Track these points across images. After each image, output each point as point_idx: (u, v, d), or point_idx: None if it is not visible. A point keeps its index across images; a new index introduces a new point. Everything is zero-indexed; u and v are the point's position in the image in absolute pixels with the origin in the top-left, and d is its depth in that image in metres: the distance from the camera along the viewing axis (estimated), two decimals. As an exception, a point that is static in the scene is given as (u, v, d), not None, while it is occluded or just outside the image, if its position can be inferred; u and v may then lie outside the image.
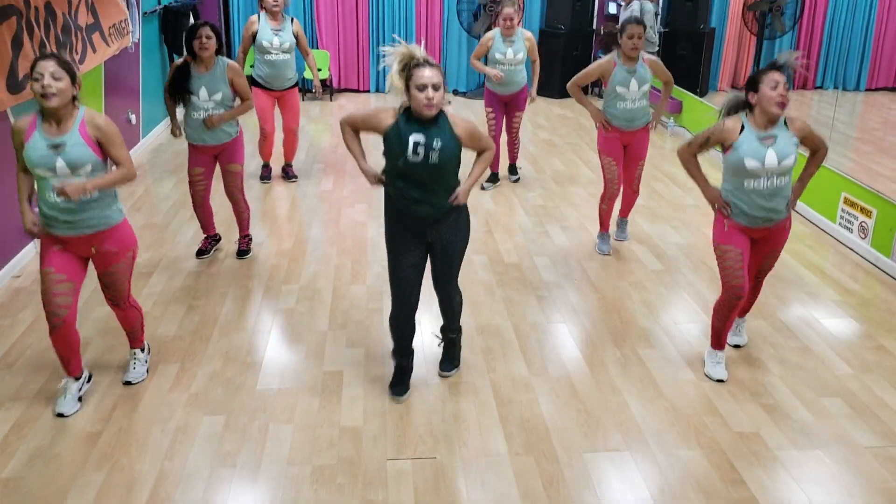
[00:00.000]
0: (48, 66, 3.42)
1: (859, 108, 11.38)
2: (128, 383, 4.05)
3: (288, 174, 7.47)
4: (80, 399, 3.87)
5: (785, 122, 3.87)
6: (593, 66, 5.53)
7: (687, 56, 11.14)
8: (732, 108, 3.98)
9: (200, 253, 5.61)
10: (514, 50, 6.74)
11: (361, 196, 6.95)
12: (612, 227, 6.00)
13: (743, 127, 3.87)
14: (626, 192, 5.86)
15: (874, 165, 8.00)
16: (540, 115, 10.44)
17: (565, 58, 11.33)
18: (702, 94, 10.65)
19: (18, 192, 3.72)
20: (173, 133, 5.57)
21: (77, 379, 3.89)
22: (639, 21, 5.29)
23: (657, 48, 10.89)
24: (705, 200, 4.14)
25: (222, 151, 5.39)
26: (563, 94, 11.45)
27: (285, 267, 5.50)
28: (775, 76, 3.76)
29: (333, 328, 4.67)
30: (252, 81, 6.77)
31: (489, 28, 11.10)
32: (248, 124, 9.22)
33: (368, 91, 11.62)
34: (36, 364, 4.22)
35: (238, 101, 5.37)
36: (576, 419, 3.81)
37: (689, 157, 4.11)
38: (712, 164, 5.88)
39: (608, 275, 5.45)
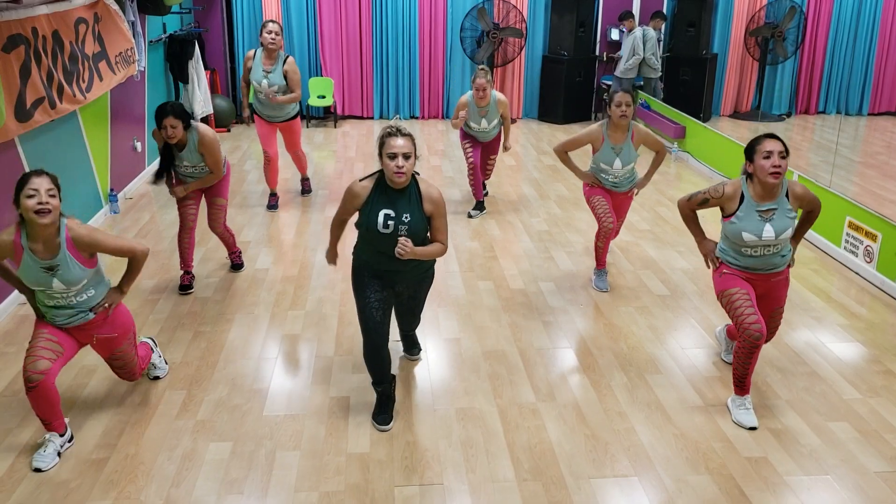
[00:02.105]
0: (43, 184, 3.43)
1: (862, 133, 11.42)
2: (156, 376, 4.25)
3: (303, 188, 7.79)
4: (59, 455, 3.66)
5: (787, 193, 3.87)
6: (582, 134, 5.51)
7: (689, 81, 11.22)
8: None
9: (185, 288, 5.56)
10: (487, 119, 6.96)
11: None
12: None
13: (742, 197, 3.87)
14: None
15: (878, 190, 8.01)
16: (543, 141, 10.49)
17: (568, 83, 11.42)
18: (704, 120, 10.71)
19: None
20: (174, 193, 5.53)
21: (61, 435, 3.70)
22: (627, 91, 5.32)
23: (660, 73, 10.98)
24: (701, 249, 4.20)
25: (209, 188, 5.56)
26: (567, 120, 11.57)
27: (291, 293, 5.50)
28: (768, 145, 3.74)
29: (339, 354, 4.66)
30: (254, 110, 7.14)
31: (492, 56, 11.22)
32: (253, 152, 9.28)
33: (372, 118, 11.69)
34: (42, 391, 4.21)
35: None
36: (583, 445, 3.80)
37: (688, 211, 4.16)
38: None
39: (614, 300, 5.45)
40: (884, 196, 7.67)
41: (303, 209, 7.38)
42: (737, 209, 3.88)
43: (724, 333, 4.66)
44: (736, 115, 12.06)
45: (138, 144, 8.11)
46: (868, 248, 5.87)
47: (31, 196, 3.41)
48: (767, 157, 3.73)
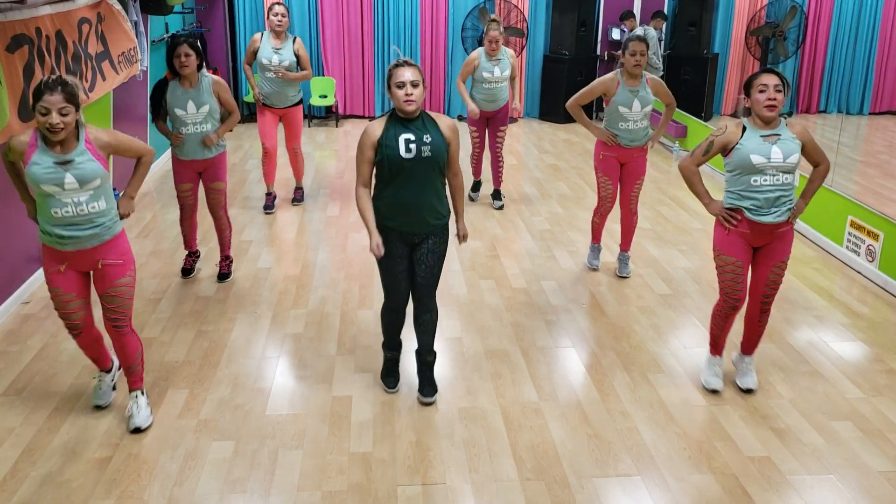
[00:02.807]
0: (55, 102, 3.37)
1: (864, 132, 11.42)
2: (137, 430, 3.83)
3: (294, 196, 7.53)
4: (113, 388, 4.11)
5: (786, 126, 3.91)
6: (596, 82, 5.51)
7: (691, 81, 11.21)
8: (744, 114, 4.01)
9: (186, 272, 5.73)
10: (500, 68, 6.99)
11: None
12: (610, 256, 6.00)
13: (745, 129, 3.90)
14: (625, 215, 5.74)
15: (880, 189, 8.01)
16: (545, 140, 10.49)
17: (569, 83, 11.40)
18: (706, 119, 10.70)
19: (27, 207, 3.83)
20: (176, 143, 5.44)
21: (108, 371, 4.06)
22: (641, 38, 5.28)
23: (661, 73, 10.97)
24: (710, 215, 4.16)
25: (206, 168, 5.48)
26: (569, 119, 11.54)
27: (293, 292, 5.50)
28: (764, 79, 3.79)
29: (342, 353, 4.67)
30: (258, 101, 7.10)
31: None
32: (255, 151, 9.28)
33: (374, 117, 11.69)
34: (45, 390, 4.22)
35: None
36: (586, 444, 3.80)
37: (694, 168, 4.08)
38: (715, 183, 5.90)
39: (616, 299, 5.45)
40: (885, 195, 7.66)
41: (304, 208, 7.39)
42: (740, 138, 3.88)
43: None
44: (737, 114, 12.05)
45: (140, 144, 8.11)
46: (870, 247, 5.87)
47: (43, 114, 3.38)
48: (763, 91, 3.78)
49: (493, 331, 4.96)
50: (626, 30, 10.95)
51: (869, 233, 5.89)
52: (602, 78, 5.50)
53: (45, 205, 3.55)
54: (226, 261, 5.78)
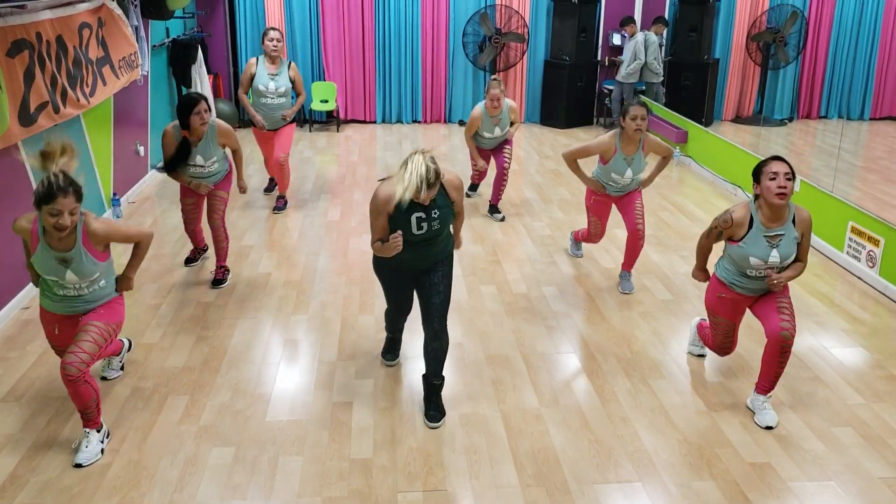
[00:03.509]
0: (68, 205, 3.37)
1: (864, 138, 11.42)
2: (78, 465, 3.62)
3: (276, 205, 7.47)
4: (122, 368, 4.42)
5: (794, 219, 3.90)
6: (593, 144, 5.49)
7: (691, 86, 11.23)
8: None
9: (188, 261, 5.94)
10: (500, 127, 7.07)
11: (368, 226, 6.96)
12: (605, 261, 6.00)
13: (751, 222, 3.91)
14: (631, 239, 5.61)
15: (881, 195, 8.01)
16: (546, 146, 10.50)
17: (570, 88, 11.43)
18: (707, 124, 10.71)
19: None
20: (185, 193, 5.70)
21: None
22: (642, 103, 5.28)
23: (661, 78, 10.99)
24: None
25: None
26: (569, 124, 11.57)
27: (294, 297, 5.50)
28: (774, 167, 3.80)
29: (342, 359, 4.66)
30: (251, 122, 7.29)
31: (494, 60, 11.24)
32: (255, 157, 9.27)
33: (374, 122, 11.70)
34: (45, 396, 4.21)
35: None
36: (587, 450, 3.79)
37: (708, 245, 4.22)
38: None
39: (617, 305, 5.44)
40: (886, 201, 7.66)
41: (305, 213, 7.39)
42: (745, 234, 3.92)
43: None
44: (738, 119, 12.06)
45: (141, 148, 8.12)
46: (871, 252, 5.87)
47: (53, 215, 3.38)
48: (773, 179, 3.79)
49: (494, 336, 4.95)
50: (626, 35, 10.97)
51: (870, 238, 5.88)
52: (600, 139, 5.45)
53: (45, 282, 3.71)
54: (220, 269, 5.76)
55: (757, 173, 3.88)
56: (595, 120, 11.93)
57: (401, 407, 4.14)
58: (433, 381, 4.07)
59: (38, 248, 3.57)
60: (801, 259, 4.01)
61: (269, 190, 7.92)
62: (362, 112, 11.67)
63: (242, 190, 5.82)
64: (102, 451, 3.73)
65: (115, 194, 7.23)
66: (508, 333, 4.99)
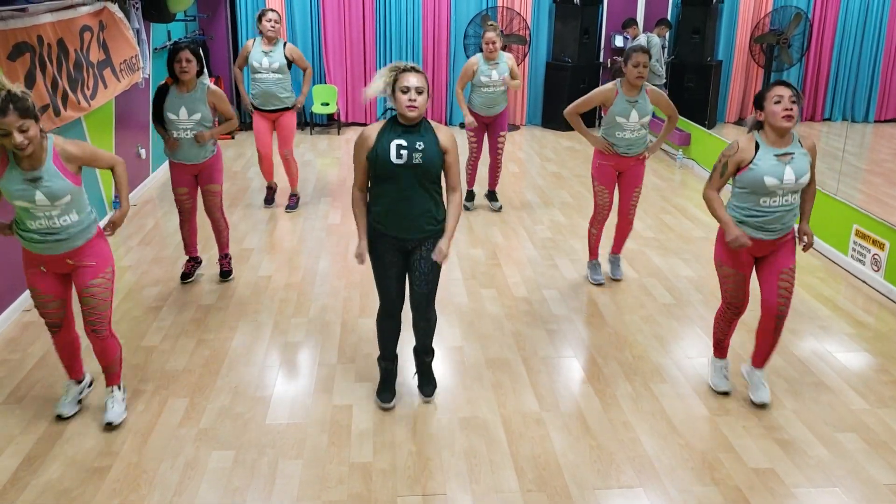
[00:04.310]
0: (12, 122, 3.32)
1: (869, 140, 11.38)
2: (109, 424, 3.91)
3: (289, 203, 7.57)
4: (79, 402, 4.03)
5: (799, 141, 3.87)
6: (595, 92, 5.47)
7: (694, 88, 11.20)
8: (753, 127, 3.96)
9: (185, 276, 5.75)
10: (498, 72, 7.03)
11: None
12: (605, 262, 5.98)
13: (758, 145, 3.85)
14: (621, 222, 5.72)
15: (885, 198, 7.97)
16: (547, 148, 10.48)
17: (572, 90, 11.37)
18: (710, 127, 10.68)
19: None
20: (171, 148, 5.45)
21: (79, 382, 4.05)
22: (644, 49, 5.22)
23: (664, 80, 10.96)
24: (713, 222, 4.14)
25: (202, 171, 5.54)
26: (571, 127, 11.47)
27: (294, 300, 5.48)
28: (779, 90, 3.75)
29: (342, 362, 4.64)
30: (253, 106, 7.27)
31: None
32: (256, 156, 9.28)
33: (377, 124, 11.67)
34: (46, 398, 4.20)
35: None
36: (588, 455, 3.77)
37: (713, 195, 3.97)
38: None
39: (619, 308, 5.42)
40: (891, 204, 7.63)
41: (305, 216, 7.37)
42: (754, 156, 3.83)
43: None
44: (741, 122, 12.02)
45: (142, 151, 8.11)
46: (875, 256, 5.84)
47: (4, 135, 3.35)
48: (778, 102, 3.74)
49: (495, 340, 4.93)
50: (628, 37, 10.95)
51: (874, 242, 5.85)
52: (601, 87, 5.46)
53: (20, 214, 3.64)
54: (225, 258, 5.85)
55: (760, 99, 3.82)
56: (598, 122, 11.90)
57: (401, 410, 4.12)
58: (424, 358, 4.24)
59: (7, 171, 3.49)
60: (810, 182, 3.95)
61: (269, 201, 7.62)
62: (363, 115, 11.66)
63: (201, 138, 5.30)
64: (126, 409, 4.04)
65: (116, 197, 7.21)
66: (509, 337, 4.97)
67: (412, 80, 3.64)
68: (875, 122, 12.09)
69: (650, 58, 5.29)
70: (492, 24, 7.02)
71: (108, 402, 3.99)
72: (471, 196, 7.65)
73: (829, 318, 5.31)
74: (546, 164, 9.56)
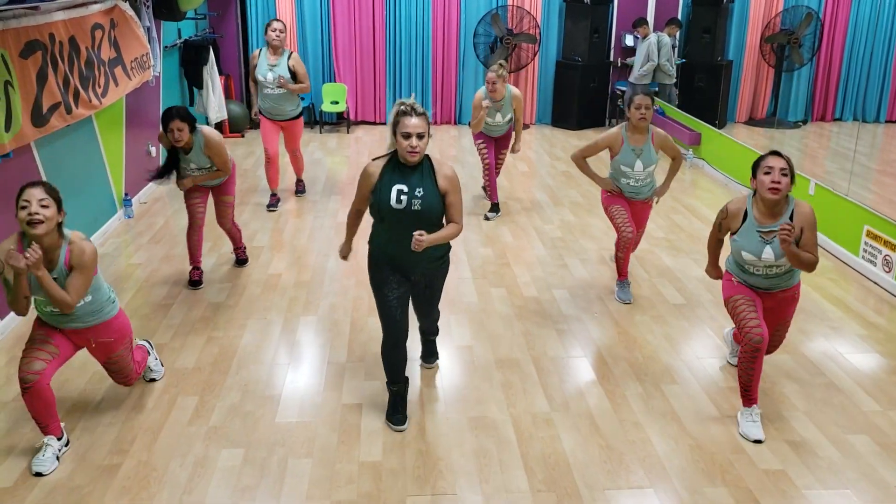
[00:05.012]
0: (35, 194, 3.39)
1: (880, 140, 11.33)
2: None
3: (297, 189, 7.99)
4: (57, 459, 3.66)
5: (792, 214, 3.82)
6: (601, 138, 5.41)
7: (705, 88, 11.16)
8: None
9: (195, 284, 5.69)
10: (501, 115, 7.05)
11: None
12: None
13: (745, 216, 3.88)
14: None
15: (897, 198, 7.93)
16: (557, 147, 10.46)
17: (582, 89, 11.39)
18: (720, 126, 10.64)
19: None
20: (183, 187, 5.50)
21: (58, 439, 3.70)
22: (646, 93, 5.22)
23: (675, 80, 10.92)
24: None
25: (216, 186, 5.66)
26: (581, 126, 11.53)
27: (303, 298, 5.49)
28: (771, 161, 3.77)
29: (352, 361, 4.64)
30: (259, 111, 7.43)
31: (505, 61, 11.20)
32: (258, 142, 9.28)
33: (385, 123, 11.68)
34: (56, 396, 4.18)
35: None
36: (598, 455, 3.76)
37: (714, 240, 4.26)
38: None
39: (629, 309, 5.40)
40: (902, 204, 7.58)
41: (315, 214, 7.38)
42: (739, 227, 3.90)
43: (731, 336, 4.66)
44: (751, 121, 11.98)
45: (153, 149, 8.13)
46: (887, 257, 5.80)
47: (23, 207, 3.40)
48: (768, 173, 3.75)
49: (504, 340, 4.92)
50: (639, 37, 10.91)
51: (886, 243, 5.82)
52: (607, 133, 5.39)
53: (35, 300, 3.67)
54: (240, 249, 6.07)
55: (754, 167, 3.85)
56: (608, 122, 11.88)
57: (410, 409, 4.11)
58: (429, 337, 4.49)
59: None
60: (811, 253, 3.87)
61: (272, 206, 7.51)
62: (372, 114, 11.66)
63: (192, 183, 5.38)
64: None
65: (126, 195, 7.24)
66: (518, 337, 4.96)
67: (413, 123, 3.59)
68: (886, 122, 12.02)
69: (653, 101, 5.26)
70: (499, 64, 6.85)
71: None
72: (496, 208, 7.36)
73: (841, 319, 5.28)
74: (556, 163, 9.54)
